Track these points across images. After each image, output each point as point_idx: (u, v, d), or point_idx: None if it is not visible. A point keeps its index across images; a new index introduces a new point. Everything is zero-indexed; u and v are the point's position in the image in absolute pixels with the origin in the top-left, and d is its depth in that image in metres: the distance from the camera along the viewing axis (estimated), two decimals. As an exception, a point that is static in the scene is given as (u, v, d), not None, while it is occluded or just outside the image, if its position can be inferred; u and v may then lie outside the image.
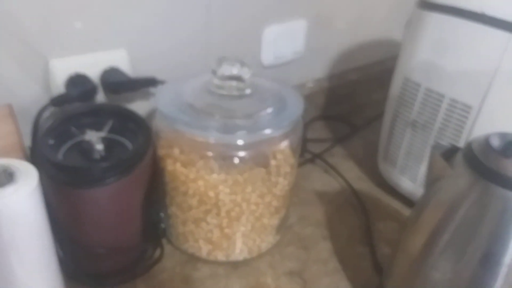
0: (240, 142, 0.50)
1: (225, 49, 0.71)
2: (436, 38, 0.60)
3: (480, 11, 0.54)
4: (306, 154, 0.80)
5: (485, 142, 0.43)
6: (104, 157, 0.49)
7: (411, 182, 0.68)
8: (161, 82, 0.61)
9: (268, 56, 0.78)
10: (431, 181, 0.48)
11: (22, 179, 0.37)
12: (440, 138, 0.62)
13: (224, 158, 0.52)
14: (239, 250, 0.57)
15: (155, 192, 0.55)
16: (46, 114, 0.55)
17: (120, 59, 0.59)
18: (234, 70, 0.53)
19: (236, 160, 0.51)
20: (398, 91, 0.66)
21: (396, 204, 0.71)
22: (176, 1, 0.62)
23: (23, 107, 0.54)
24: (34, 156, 0.49)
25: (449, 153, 0.47)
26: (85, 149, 0.49)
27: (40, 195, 0.39)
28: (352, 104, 0.98)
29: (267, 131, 0.51)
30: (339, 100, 0.95)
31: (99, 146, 0.49)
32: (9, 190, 0.36)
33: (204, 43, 0.69)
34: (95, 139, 0.49)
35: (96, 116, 0.53)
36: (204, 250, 0.56)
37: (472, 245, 0.42)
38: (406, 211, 0.69)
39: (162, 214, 0.58)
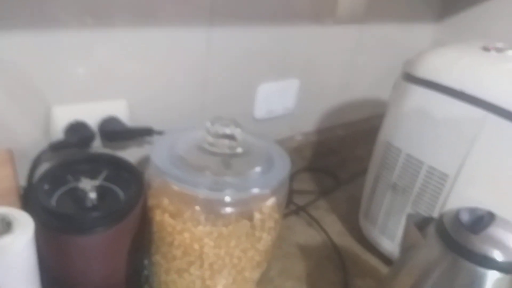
0: (227, 199, 0.53)
1: (220, 100, 0.75)
2: (417, 108, 0.63)
3: (459, 89, 0.57)
4: (291, 205, 0.82)
5: (455, 217, 0.45)
6: (96, 206, 0.51)
7: (390, 241, 0.70)
8: (157, 133, 0.64)
9: (260, 110, 0.81)
10: (406, 247, 0.51)
11: (19, 229, 0.39)
12: (418, 203, 0.64)
13: (211, 211, 0.54)
14: (219, 302, 0.58)
15: (142, 239, 0.57)
16: (44, 158, 0.57)
17: (119, 108, 0.62)
18: (228, 130, 0.55)
19: (223, 211, 0.54)
20: (381, 154, 0.70)
21: (374, 261, 0.73)
22: (177, 57, 0.66)
23: (23, 150, 0.56)
24: (28, 199, 0.51)
25: (423, 223, 0.49)
26: (78, 196, 0.51)
27: (34, 245, 0.40)
28: (338, 158, 1.01)
29: (255, 190, 0.53)
30: (326, 154, 0.99)
31: (92, 195, 0.50)
32: (6, 240, 0.37)
33: (201, 95, 0.72)
34: (89, 187, 0.51)
35: (92, 164, 0.55)
36: (185, 300, 0.57)
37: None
38: (383, 269, 0.71)
39: (146, 261, 0.60)
